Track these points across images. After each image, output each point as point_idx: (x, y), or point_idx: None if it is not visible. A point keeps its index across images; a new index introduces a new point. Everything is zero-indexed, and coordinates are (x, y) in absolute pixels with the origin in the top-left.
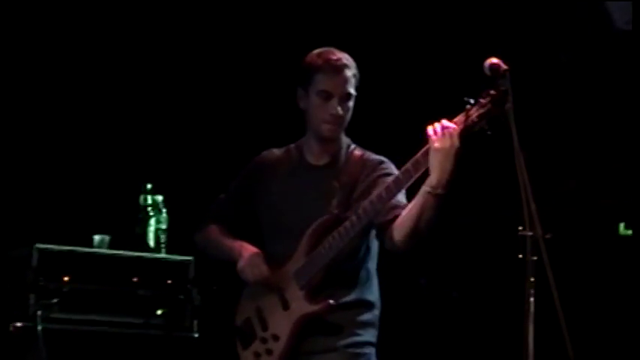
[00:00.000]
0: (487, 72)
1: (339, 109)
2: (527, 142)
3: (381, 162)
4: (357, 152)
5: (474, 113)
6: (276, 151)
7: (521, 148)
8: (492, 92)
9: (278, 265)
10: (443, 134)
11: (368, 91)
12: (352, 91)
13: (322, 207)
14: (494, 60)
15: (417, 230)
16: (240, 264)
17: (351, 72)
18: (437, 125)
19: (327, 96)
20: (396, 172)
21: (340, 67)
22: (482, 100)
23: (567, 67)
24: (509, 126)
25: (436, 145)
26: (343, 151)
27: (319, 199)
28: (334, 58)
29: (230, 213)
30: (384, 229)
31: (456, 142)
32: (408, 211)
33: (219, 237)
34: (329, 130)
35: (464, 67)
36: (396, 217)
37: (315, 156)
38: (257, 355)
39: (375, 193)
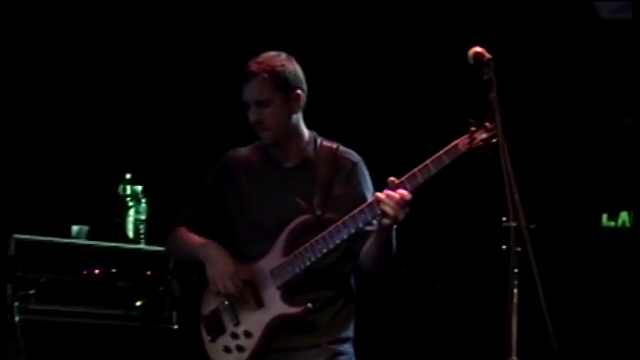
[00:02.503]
0: (471, 61)
1: (252, 117)
2: (511, 132)
3: (355, 164)
4: (327, 145)
5: (478, 137)
6: (243, 150)
7: (505, 139)
8: (499, 119)
9: (251, 262)
10: (401, 207)
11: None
12: (265, 96)
13: (298, 206)
14: (478, 49)
15: (380, 264)
16: (211, 273)
17: (260, 77)
18: (394, 196)
19: (246, 106)
20: (366, 173)
21: (248, 76)
22: (487, 125)
23: (551, 57)
24: (494, 116)
25: (389, 212)
26: (310, 148)
27: (294, 198)
28: (246, 67)
29: (199, 215)
30: (355, 255)
31: (408, 210)
32: (369, 245)
33: (187, 235)
34: (261, 137)
35: (448, 57)
36: (362, 247)
37: (282, 157)
38: (227, 349)
39: (366, 203)
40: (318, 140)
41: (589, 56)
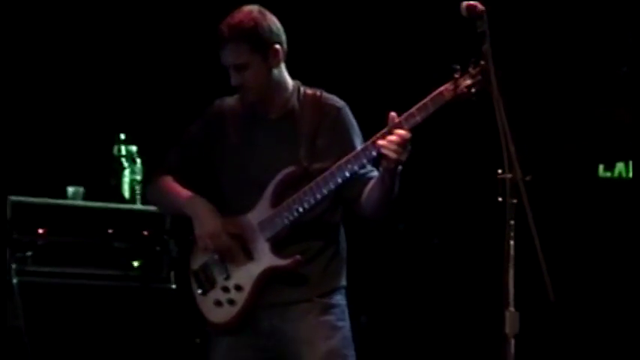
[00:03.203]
0: (464, 13)
1: (233, 80)
2: (506, 85)
3: (339, 109)
4: (310, 93)
5: (462, 83)
6: (230, 100)
7: (499, 92)
8: (482, 62)
9: (238, 214)
10: (403, 147)
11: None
12: (242, 60)
13: (285, 157)
14: (471, 1)
15: (385, 205)
16: (199, 230)
17: (235, 40)
18: (394, 137)
19: (227, 68)
20: (351, 117)
21: (222, 41)
22: (471, 70)
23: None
24: (488, 69)
25: (392, 155)
26: (294, 97)
27: (281, 149)
28: (219, 31)
29: (184, 164)
30: (352, 202)
31: (409, 148)
32: (371, 189)
33: (172, 186)
34: (243, 97)
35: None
36: (362, 191)
37: (266, 110)
38: (218, 303)
39: (354, 152)
40: (302, 89)
41: (584, 4)
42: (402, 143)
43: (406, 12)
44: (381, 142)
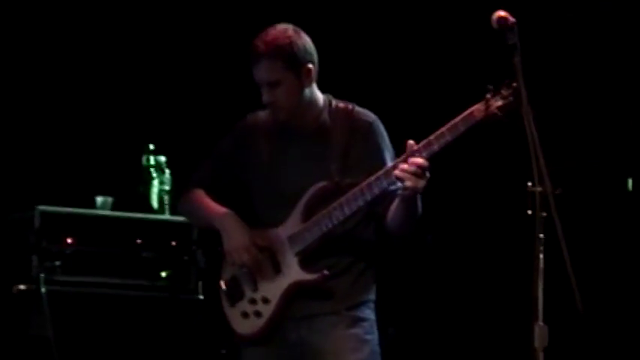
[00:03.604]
0: (495, 25)
1: (265, 97)
2: (537, 97)
3: (371, 124)
4: (342, 107)
5: (494, 104)
6: (262, 114)
7: (529, 105)
8: (514, 84)
9: (269, 228)
10: (418, 177)
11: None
12: (275, 77)
13: (317, 172)
14: (502, 13)
15: (408, 225)
16: (227, 245)
17: (268, 58)
18: (409, 169)
19: (259, 85)
20: (383, 131)
21: (256, 57)
22: (503, 92)
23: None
24: (518, 81)
25: (408, 184)
26: (326, 112)
27: (313, 164)
28: (253, 46)
29: (214, 178)
30: (380, 218)
31: (428, 176)
32: (395, 209)
33: (202, 200)
34: (274, 115)
35: (472, 21)
36: (388, 208)
37: (298, 126)
38: (245, 315)
39: (383, 170)
40: (333, 103)
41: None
42: (419, 172)
43: (437, 26)
44: (397, 172)
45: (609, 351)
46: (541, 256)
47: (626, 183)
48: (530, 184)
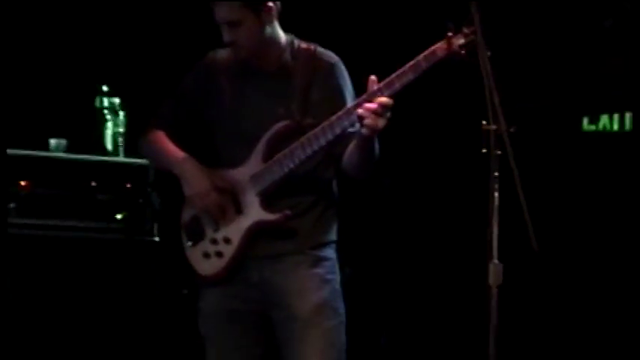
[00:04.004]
0: None
1: (225, 37)
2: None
3: (333, 65)
4: (304, 47)
5: (456, 42)
6: (223, 52)
7: (485, 45)
8: (478, 22)
9: (230, 167)
10: (380, 116)
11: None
12: (234, 17)
13: (277, 112)
14: None
15: (366, 168)
16: (188, 191)
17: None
18: (372, 107)
19: (219, 24)
20: (345, 73)
21: None
22: (465, 30)
23: None
24: (474, 20)
25: (370, 123)
26: (288, 52)
27: (274, 103)
28: None
29: (175, 118)
30: (338, 160)
31: (388, 116)
32: (350, 151)
33: (163, 144)
34: (235, 54)
35: None
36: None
37: (260, 64)
38: (206, 255)
39: (344, 109)
40: (296, 43)
41: None
42: (381, 111)
43: None
44: (359, 110)
45: (562, 289)
46: (496, 194)
47: (581, 122)
48: (484, 122)
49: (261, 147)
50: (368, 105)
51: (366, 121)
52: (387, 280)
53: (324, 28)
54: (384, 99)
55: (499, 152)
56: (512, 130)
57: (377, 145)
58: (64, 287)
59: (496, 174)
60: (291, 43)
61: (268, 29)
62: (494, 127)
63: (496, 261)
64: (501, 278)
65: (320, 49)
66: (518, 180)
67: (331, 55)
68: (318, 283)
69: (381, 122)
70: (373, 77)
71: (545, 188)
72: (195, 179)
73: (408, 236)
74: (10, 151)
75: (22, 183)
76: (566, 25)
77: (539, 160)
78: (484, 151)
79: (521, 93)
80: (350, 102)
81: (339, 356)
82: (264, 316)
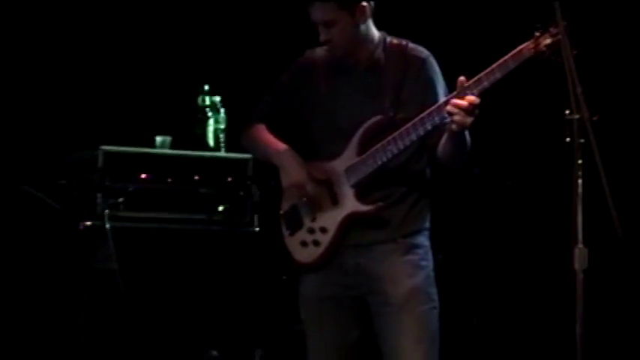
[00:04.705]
0: None
1: (321, 36)
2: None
3: (424, 60)
4: (395, 43)
5: (542, 42)
6: (319, 50)
7: (567, 38)
8: (564, 23)
9: (326, 160)
10: (468, 113)
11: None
12: (329, 17)
13: (372, 107)
14: None
15: (459, 157)
16: (285, 181)
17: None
18: (461, 104)
19: (315, 25)
20: (436, 67)
21: None
22: (551, 30)
23: None
24: (557, 18)
25: (458, 120)
26: (380, 49)
27: (367, 99)
28: None
29: (275, 112)
30: (432, 150)
31: (477, 112)
32: (444, 142)
33: (263, 136)
34: (331, 52)
35: None
36: (439, 141)
37: (354, 62)
38: (304, 243)
39: (435, 106)
40: (388, 39)
41: None
42: (469, 108)
43: None
44: (448, 107)
45: None
46: (580, 181)
47: None
48: (568, 112)
49: (355, 141)
50: (457, 101)
51: (455, 118)
52: (477, 267)
53: (413, 25)
54: (472, 97)
55: (582, 140)
56: (594, 119)
57: (468, 137)
58: (169, 277)
59: (580, 161)
60: (384, 40)
61: (362, 28)
62: (577, 116)
63: (581, 245)
64: (587, 263)
65: (411, 45)
66: (602, 167)
67: (422, 50)
68: (411, 269)
69: (469, 119)
70: (462, 78)
71: (628, 175)
72: (293, 170)
73: (497, 222)
74: (118, 148)
75: (130, 178)
76: None
77: (622, 148)
78: (568, 139)
79: (603, 84)
80: (441, 96)
81: (433, 339)
82: (361, 301)
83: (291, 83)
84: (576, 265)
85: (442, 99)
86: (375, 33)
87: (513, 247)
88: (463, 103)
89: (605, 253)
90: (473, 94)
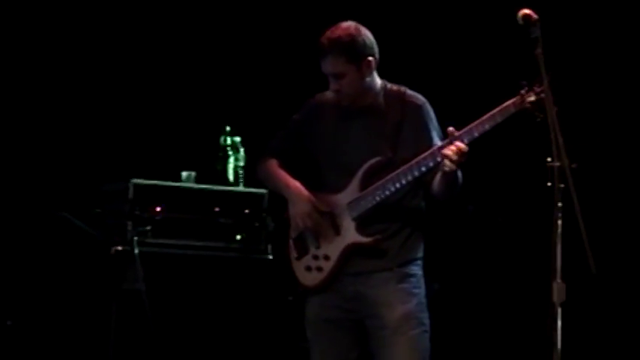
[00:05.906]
0: (520, 21)
1: (331, 86)
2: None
3: (420, 107)
4: (394, 90)
5: (527, 99)
6: (329, 94)
7: (550, 92)
8: (548, 76)
9: (331, 193)
10: (459, 158)
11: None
12: (338, 70)
13: (373, 147)
14: (527, 10)
15: (451, 193)
16: (292, 211)
17: (334, 53)
18: (452, 148)
19: (326, 76)
20: (431, 113)
21: (322, 52)
22: (536, 88)
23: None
24: (540, 69)
25: (448, 164)
26: (381, 95)
27: (370, 140)
28: (320, 43)
29: (287, 148)
30: (426, 187)
31: (465, 157)
32: (438, 181)
33: (275, 171)
34: (339, 100)
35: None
36: (434, 179)
37: (359, 104)
38: (308, 268)
39: (429, 151)
40: (387, 86)
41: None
42: (459, 154)
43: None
44: (443, 151)
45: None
46: (559, 222)
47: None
48: (549, 159)
49: (357, 178)
50: (451, 147)
51: (447, 162)
52: (468, 295)
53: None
54: (462, 146)
55: (562, 185)
56: (573, 166)
57: (460, 175)
58: (191, 297)
59: (560, 204)
60: (384, 87)
61: (368, 79)
62: (557, 163)
63: (559, 280)
64: (564, 296)
65: (409, 92)
66: (579, 210)
67: (419, 97)
68: (405, 296)
69: (458, 162)
70: (451, 128)
71: (604, 217)
72: (300, 201)
73: (486, 256)
74: (147, 182)
75: (158, 209)
76: (630, 68)
77: (598, 193)
78: (549, 184)
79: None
80: (436, 138)
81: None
82: (359, 324)
83: (303, 121)
84: (555, 299)
85: (436, 142)
86: (378, 82)
87: (501, 281)
88: (453, 148)
89: (580, 288)
90: (462, 142)
